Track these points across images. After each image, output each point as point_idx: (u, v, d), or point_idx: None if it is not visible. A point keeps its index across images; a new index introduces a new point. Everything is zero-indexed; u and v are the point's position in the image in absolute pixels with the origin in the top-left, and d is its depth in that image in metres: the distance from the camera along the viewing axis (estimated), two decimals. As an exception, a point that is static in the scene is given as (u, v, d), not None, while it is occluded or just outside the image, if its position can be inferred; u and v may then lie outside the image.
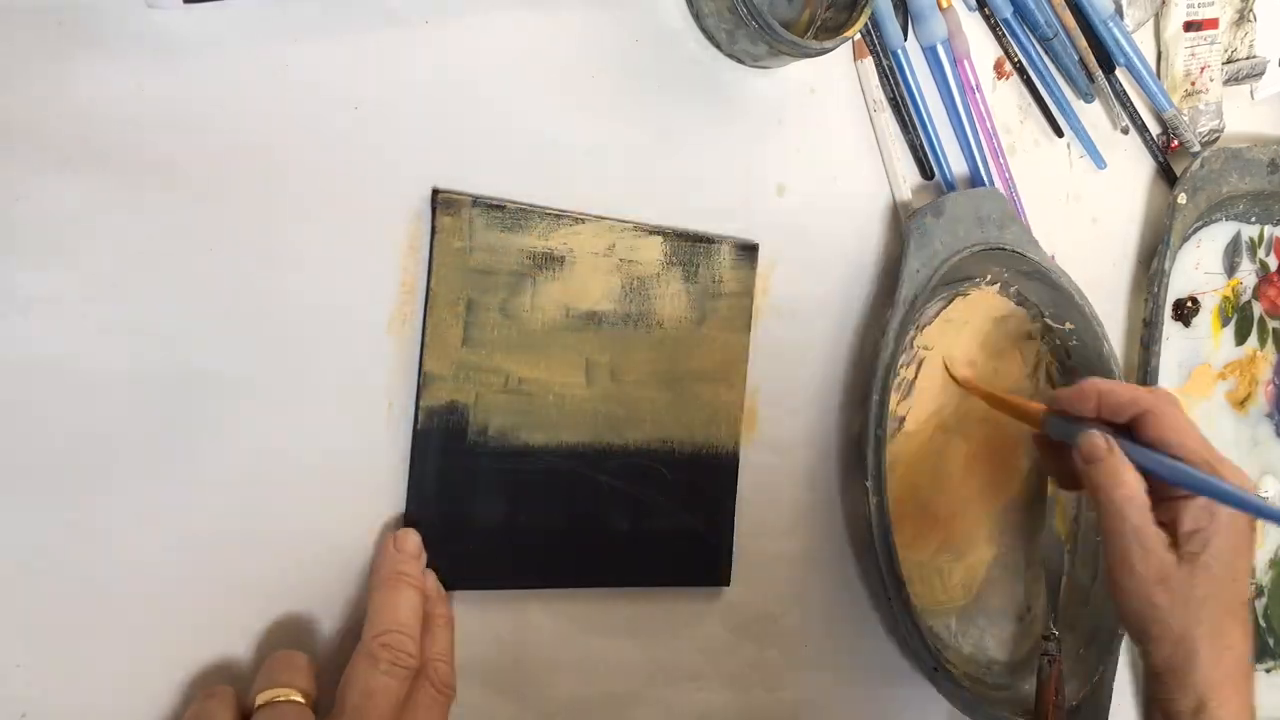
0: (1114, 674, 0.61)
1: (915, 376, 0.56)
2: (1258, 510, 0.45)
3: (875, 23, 0.54)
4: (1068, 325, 0.60)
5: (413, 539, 0.41)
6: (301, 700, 0.36)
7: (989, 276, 0.58)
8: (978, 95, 0.57)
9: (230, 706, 0.36)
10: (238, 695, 0.37)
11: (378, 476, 0.42)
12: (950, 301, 0.57)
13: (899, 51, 0.55)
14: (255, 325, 0.39)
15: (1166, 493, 0.47)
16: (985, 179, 0.58)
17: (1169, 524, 0.46)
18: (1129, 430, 0.48)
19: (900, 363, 0.53)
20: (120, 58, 0.36)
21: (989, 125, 0.58)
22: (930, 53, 0.56)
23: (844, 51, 0.53)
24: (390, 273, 0.42)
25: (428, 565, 0.42)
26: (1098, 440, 0.47)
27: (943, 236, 0.54)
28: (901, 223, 0.55)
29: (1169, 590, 0.45)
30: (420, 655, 0.39)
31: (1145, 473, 0.47)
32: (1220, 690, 0.45)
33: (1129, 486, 0.46)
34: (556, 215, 0.45)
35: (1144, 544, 0.45)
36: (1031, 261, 0.57)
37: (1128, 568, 0.46)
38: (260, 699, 0.36)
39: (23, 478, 0.35)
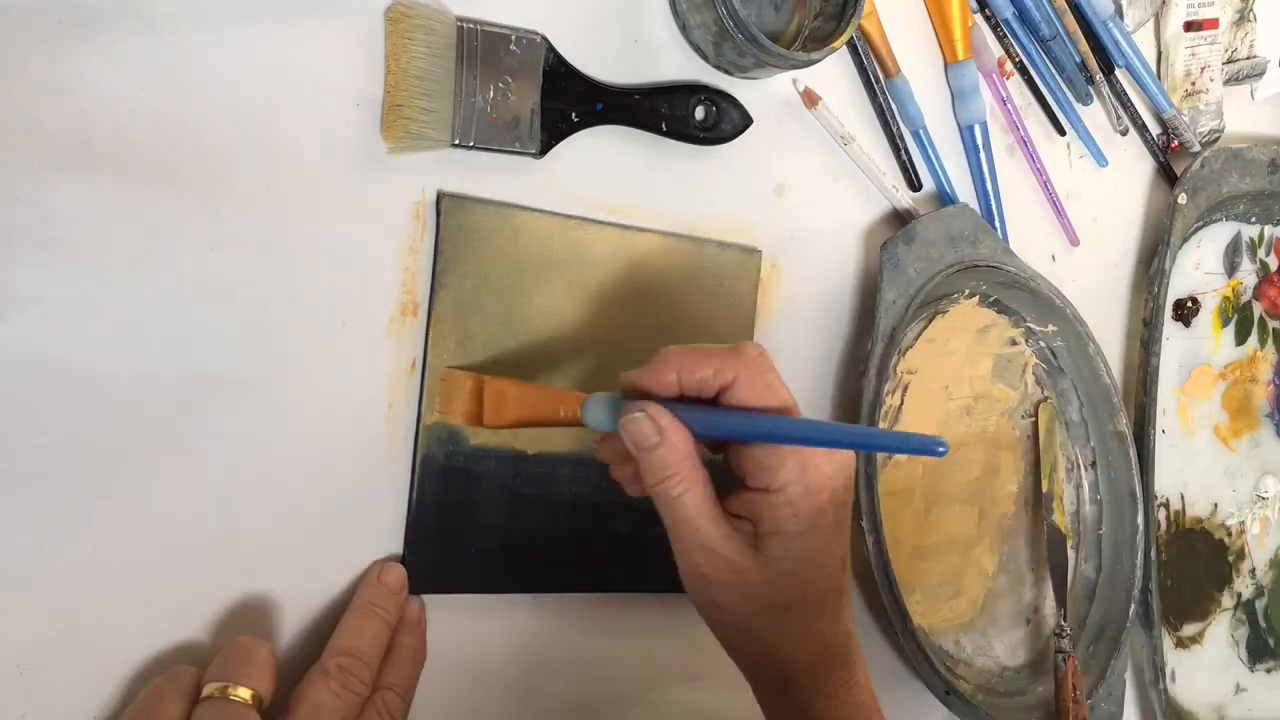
0: (1125, 667, 0.61)
1: (901, 403, 0.55)
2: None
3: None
4: (1050, 328, 0.60)
5: (397, 573, 0.42)
6: (248, 697, 0.36)
7: (967, 291, 0.57)
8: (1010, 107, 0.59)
9: (186, 691, 0.36)
10: (198, 677, 0.36)
11: (378, 478, 0.42)
12: (930, 321, 0.56)
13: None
14: (255, 325, 0.39)
15: (751, 483, 0.38)
16: (988, 180, 0.58)
17: (751, 519, 0.39)
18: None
19: (885, 391, 0.52)
20: (120, 58, 0.36)
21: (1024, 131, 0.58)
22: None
23: (836, 58, 0.53)
24: (391, 273, 0.42)
25: (427, 590, 0.43)
26: (643, 425, 0.37)
27: (916, 263, 0.52)
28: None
29: (746, 597, 0.38)
30: (375, 684, 0.39)
31: (715, 439, 0.39)
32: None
33: (684, 477, 0.37)
34: (560, 219, 0.45)
35: (708, 544, 0.38)
36: (1009, 273, 0.56)
37: (695, 574, 0.38)
38: (207, 690, 0.36)
39: (23, 478, 0.35)
